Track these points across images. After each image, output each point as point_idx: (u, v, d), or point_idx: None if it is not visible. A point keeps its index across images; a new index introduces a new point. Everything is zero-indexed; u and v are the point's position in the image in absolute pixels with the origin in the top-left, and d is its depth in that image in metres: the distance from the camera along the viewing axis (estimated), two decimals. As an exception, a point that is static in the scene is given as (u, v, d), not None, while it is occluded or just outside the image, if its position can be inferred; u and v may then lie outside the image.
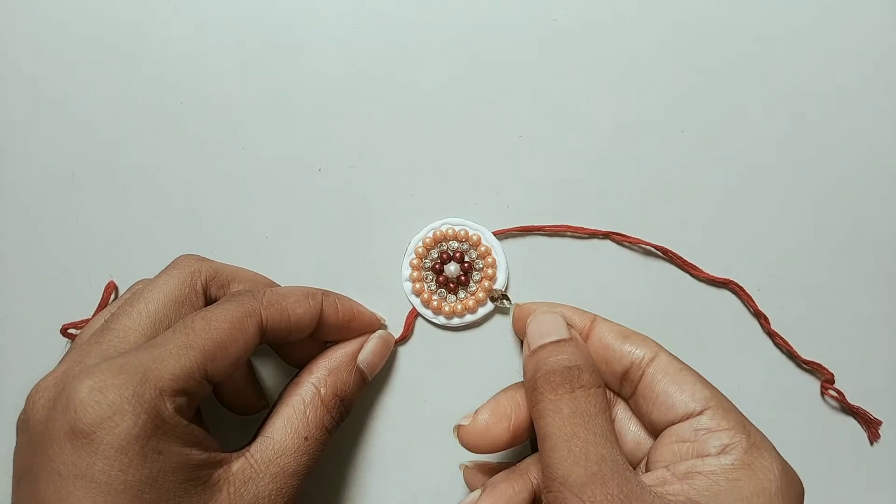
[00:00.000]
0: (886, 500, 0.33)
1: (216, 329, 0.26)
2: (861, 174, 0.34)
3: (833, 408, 0.34)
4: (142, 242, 0.34)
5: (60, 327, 0.34)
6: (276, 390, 0.34)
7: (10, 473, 0.30)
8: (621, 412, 0.30)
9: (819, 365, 0.33)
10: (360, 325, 0.31)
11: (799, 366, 0.34)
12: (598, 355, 0.29)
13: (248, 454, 0.27)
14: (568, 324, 0.30)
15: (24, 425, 0.26)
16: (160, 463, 0.24)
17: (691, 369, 0.28)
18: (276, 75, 0.35)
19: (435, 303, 0.33)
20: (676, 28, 0.34)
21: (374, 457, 0.34)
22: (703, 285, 0.34)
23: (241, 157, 0.34)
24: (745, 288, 0.34)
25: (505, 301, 0.33)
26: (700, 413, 0.26)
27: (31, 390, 0.26)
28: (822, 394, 0.34)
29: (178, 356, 0.25)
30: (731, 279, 0.34)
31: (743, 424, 0.26)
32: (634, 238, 0.33)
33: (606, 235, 0.34)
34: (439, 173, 0.34)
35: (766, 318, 0.33)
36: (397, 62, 0.35)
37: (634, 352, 0.28)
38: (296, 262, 0.34)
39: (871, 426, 0.33)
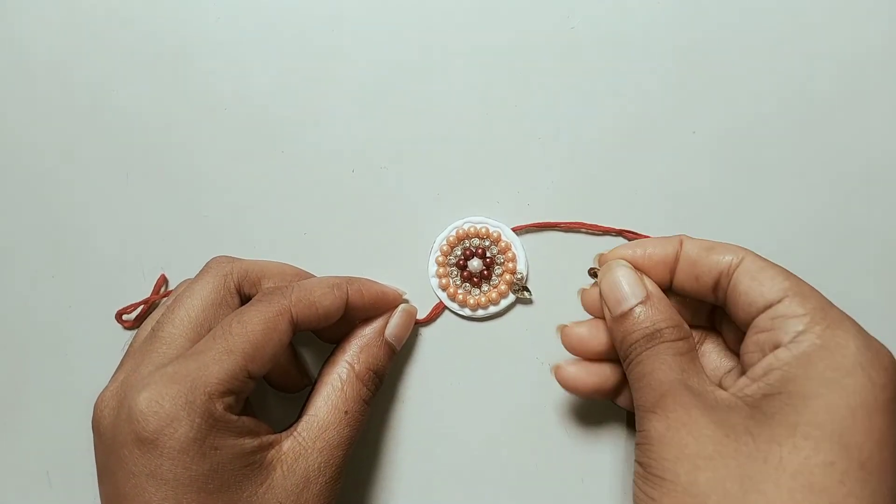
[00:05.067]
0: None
1: (252, 332, 0.28)
2: (861, 173, 0.35)
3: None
4: (191, 238, 0.36)
5: (115, 313, 0.36)
6: (315, 367, 0.35)
7: (73, 444, 0.35)
8: (711, 347, 0.30)
9: (819, 352, 0.35)
10: (384, 304, 0.33)
11: (800, 353, 0.35)
12: (688, 273, 0.29)
13: (295, 433, 0.29)
14: (641, 272, 0.29)
15: (96, 430, 0.28)
16: (218, 457, 0.26)
17: (774, 264, 0.27)
18: (312, 85, 0.36)
19: (460, 296, 0.34)
20: (688, 34, 0.35)
21: (405, 435, 0.35)
22: (710, 278, 0.35)
23: (281, 160, 0.36)
24: (750, 280, 0.35)
25: (525, 292, 0.34)
26: (778, 302, 0.26)
27: (97, 399, 0.28)
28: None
29: (221, 361, 0.27)
30: (737, 272, 0.35)
31: (822, 307, 0.25)
32: (645, 235, 0.34)
33: (619, 233, 0.35)
34: (463, 174, 0.36)
35: (769, 309, 0.35)
36: (424, 73, 0.36)
37: (721, 259, 0.28)
38: (331, 256, 0.36)
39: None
